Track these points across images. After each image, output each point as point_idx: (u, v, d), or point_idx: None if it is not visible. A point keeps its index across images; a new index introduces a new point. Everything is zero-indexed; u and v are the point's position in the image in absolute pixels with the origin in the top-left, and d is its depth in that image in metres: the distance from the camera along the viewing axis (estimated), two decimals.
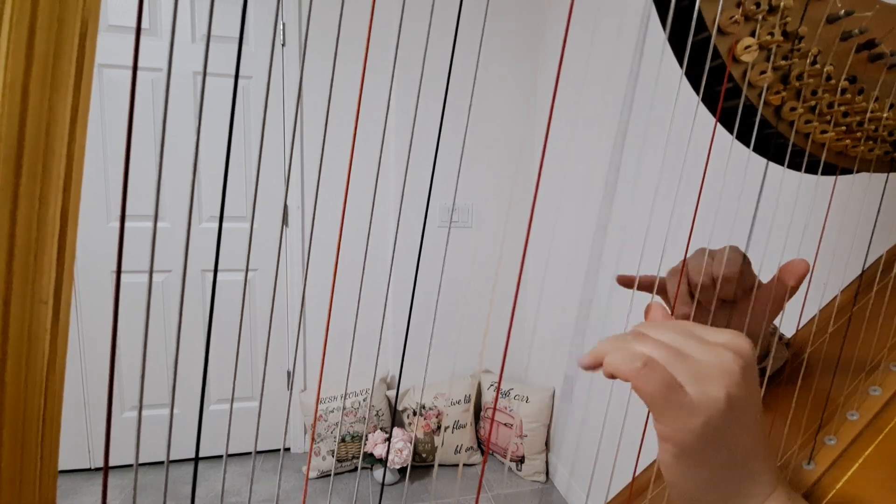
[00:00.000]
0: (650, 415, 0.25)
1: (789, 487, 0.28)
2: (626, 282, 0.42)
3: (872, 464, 0.37)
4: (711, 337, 0.26)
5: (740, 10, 0.33)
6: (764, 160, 0.41)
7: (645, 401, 0.24)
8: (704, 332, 0.26)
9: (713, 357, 0.25)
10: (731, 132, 0.39)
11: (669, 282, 0.41)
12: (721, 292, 0.39)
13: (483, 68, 1.94)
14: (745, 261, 0.39)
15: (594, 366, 0.26)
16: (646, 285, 0.42)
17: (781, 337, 0.48)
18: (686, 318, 0.40)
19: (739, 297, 0.40)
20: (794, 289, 0.38)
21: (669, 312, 0.35)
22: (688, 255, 0.41)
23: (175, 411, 1.95)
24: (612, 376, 0.25)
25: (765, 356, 0.45)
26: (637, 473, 0.48)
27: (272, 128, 1.85)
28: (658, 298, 0.41)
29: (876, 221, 0.48)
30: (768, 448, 0.27)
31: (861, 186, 0.58)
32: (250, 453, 2.03)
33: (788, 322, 0.50)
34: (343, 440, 1.86)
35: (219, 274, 1.88)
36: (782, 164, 0.41)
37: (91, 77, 0.27)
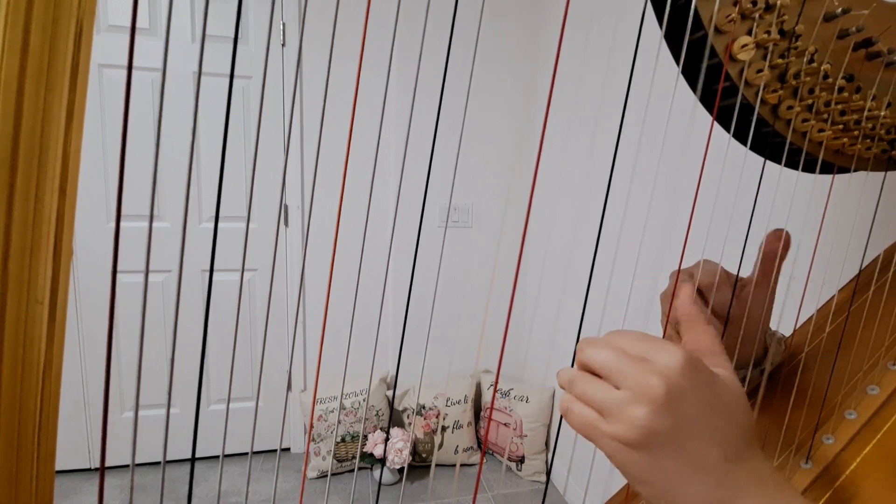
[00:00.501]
0: None
1: (775, 487, 0.27)
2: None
3: (871, 462, 0.37)
4: (646, 353, 0.26)
5: (737, 8, 0.33)
6: (761, 158, 0.41)
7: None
8: (643, 346, 0.27)
9: (639, 384, 0.25)
10: (728, 131, 0.39)
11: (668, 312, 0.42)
12: (713, 303, 0.39)
13: (482, 67, 1.94)
14: (721, 269, 0.40)
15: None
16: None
17: (779, 336, 0.48)
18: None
19: (727, 302, 0.41)
20: (782, 255, 0.38)
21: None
22: (667, 288, 0.41)
23: (174, 411, 1.95)
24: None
25: (764, 355, 0.45)
26: None
27: (272, 127, 1.85)
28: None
29: (873, 220, 0.48)
30: (736, 457, 0.26)
31: (858, 185, 0.58)
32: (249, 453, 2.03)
33: (787, 321, 0.50)
34: (342, 440, 1.86)
35: (219, 274, 1.88)
36: (779, 163, 0.41)
37: (87, 77, 0.27)
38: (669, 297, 0.38)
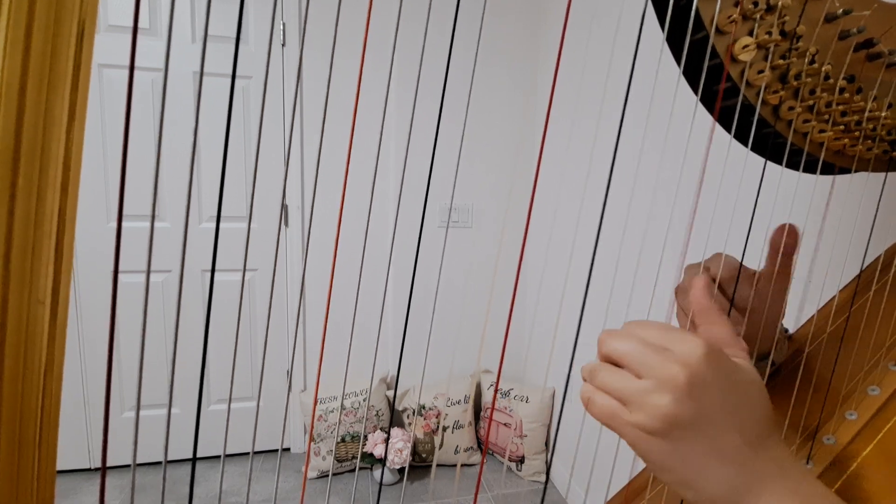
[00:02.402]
0: None
1: (796, 481, 0.27)
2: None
3: (871, 463, 0.37)
4: (666, 343, 0.27)
5: (738, 9, 0.33)
6: (762, 159, 0.41)
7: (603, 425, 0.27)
8: (663, 337, 0.27)
9: (660, 372, 0.26)
10: (729, 131, 0.39)
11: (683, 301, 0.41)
12: (730, 295, 0.39)
13: (482, 68, 1.94)
14: (739, 264, 0.40)
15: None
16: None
17: (786, 330, 0.48)
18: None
19: (748, 296, 0.41)
20: (790, 247, 0.38)
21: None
22: (682, 273, 0.41)
23: (175, 411, 1.95)
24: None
25: (769, 351, 0.45)
26: (635, 474, 0.48)
27: (272, 127, 1.85)
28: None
29: (874, 221, 0.48)
30: (757, 444, 0.26)
31: (859, 186, 0.58)
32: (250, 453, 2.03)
33: (788, 321, 0.50)
34: (342, 440, 1.86)
35: (219, 274, 1.88)
36: (780, 164, 0.41)
37: (88, 77, 0.27)
38: (685, 291, 0.39)
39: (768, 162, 0.41)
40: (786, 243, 0.39)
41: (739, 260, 0.40)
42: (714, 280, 0.39)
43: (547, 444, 1.93)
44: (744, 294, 0.40)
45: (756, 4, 0.33)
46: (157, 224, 1.80)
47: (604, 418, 0.27)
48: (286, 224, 1.91)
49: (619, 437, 0.27)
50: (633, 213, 1.41)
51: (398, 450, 1.81)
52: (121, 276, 1.81)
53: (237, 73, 1.79)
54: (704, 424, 0.25)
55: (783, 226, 0.39)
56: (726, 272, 0.39)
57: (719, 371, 0.26)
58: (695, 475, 0.26)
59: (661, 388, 0.25)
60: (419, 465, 1.96)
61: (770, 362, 0.45)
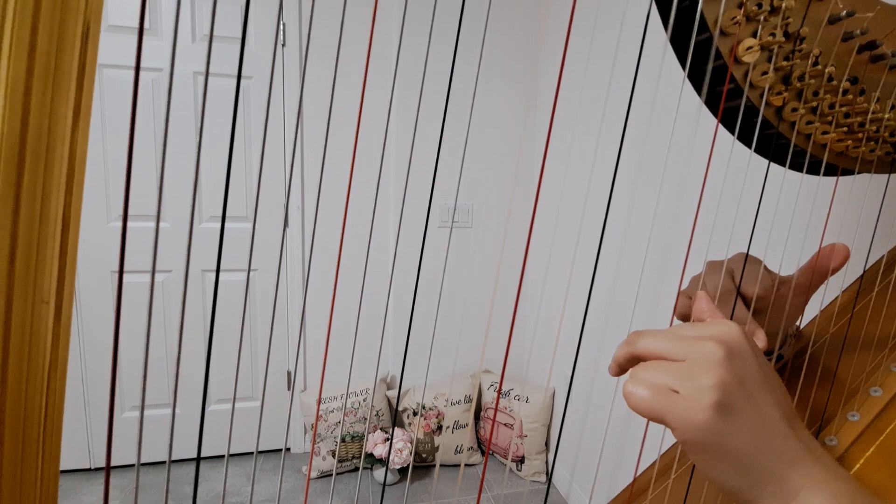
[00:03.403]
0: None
1: (829, 463, 0.26)
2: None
3: (873, 465, 0.37)
4: (697, 332, 0.27)
5: (742, 10, 0.33)
6: (765, 160, 0.41)
7: (648, 418, 0.26)
8: (691, 329, 0.27)
9: (697, 351, 0.26)
10: (732, 133, 0.39)
11: (690, 304, 0.40)
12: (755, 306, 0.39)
13: (484, 69, 1.94)
14: (764, 268, 0.39)
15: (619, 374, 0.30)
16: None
17: (797, 328, 0.48)
18: None
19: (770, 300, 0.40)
20: (835, 270, 0.38)
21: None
22: (701, 273, 0.40)
23: (175, 411, 1.94)
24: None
25: (781, 345, 0.45)
26: (638, 474, 0.48)
27: (272, 128, 1.85)
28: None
29: (877, 222, 0.48)
30: (791, 422, 0.26)
31: (862, 187, 0.58)
32: (251, 453, 2.03)
33: None
34: (343, 440, 1.86)
35: (220, 274, 1.88)
36: (783, 165, 0.41)
37: (93, 77, 0.27)
38: (698, 283, 0.39)
39: (771, 163, 0.41)
40: (832, 267, 0.38)
41: (761, 261, 0.40)
42: (715, 296, 0.39)
43: (547, 444, 1.93)
44: (762, 298, 0.40)
45: (760, 6, 0.33)
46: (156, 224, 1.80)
47: (653, 408, 0.25)
48: (287, 225, 1.91)
49: (670, 428, 0.25)
50: (637, 214, 1.41)
51: (399, 450, 1.81)
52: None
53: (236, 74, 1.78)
54: (750, 398, 0.25)
55: (832, 246, 0.38)
56: (748, 285, 0.38)
57: (751, 349, 0.26)
58: (753, 449, 0.25)
59: (703, 364, 0.25)
60: (420, 465, 1.96)
61: (776, 356, 0.45)
